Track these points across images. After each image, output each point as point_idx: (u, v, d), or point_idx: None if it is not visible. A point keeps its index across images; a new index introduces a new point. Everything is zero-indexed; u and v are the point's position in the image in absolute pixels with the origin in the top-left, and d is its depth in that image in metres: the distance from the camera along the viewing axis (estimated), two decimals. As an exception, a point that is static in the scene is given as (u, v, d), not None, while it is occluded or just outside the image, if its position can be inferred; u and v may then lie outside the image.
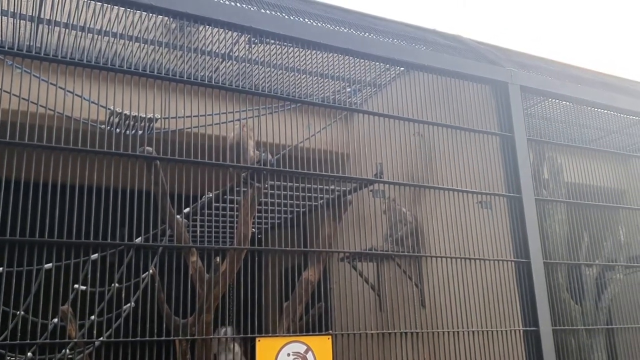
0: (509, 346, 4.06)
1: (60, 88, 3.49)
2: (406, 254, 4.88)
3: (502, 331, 4.07)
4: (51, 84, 3.65)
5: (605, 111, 5.36)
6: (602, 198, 5.02)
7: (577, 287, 4.98)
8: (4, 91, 2.97)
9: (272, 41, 3.96)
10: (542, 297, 4.26)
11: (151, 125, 4.21)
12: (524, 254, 4.31)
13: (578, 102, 5.12)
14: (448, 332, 3.94)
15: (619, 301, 5.40)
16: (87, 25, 3.70)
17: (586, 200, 4.97)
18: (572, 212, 5.01)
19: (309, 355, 3.38)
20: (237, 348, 3.97)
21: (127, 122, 4.13)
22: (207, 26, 3.83)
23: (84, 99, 3.41)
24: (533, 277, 4.25)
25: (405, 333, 3.83)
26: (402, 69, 4.52)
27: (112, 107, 3.84)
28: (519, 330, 4.15)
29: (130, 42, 3.86)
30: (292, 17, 4.11)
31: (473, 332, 3.99)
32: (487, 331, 4.02)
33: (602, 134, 5.62)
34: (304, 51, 4.14)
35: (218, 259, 3.70)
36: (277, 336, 3.45)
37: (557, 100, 5.13)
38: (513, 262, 4.29)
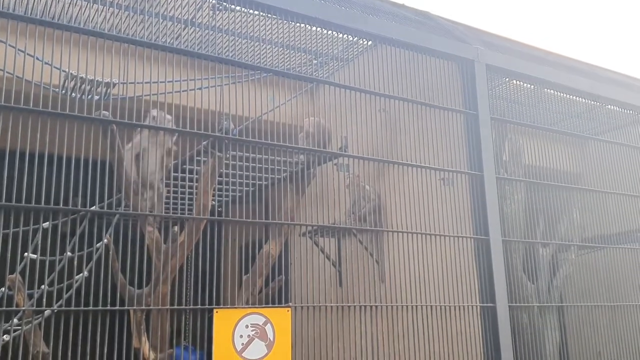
0: (467, 321, 4.12)
1: (11, 46, 3.30)
2: (368, 228, 4.88)
3: (460, 306, 4.12)
4: (0, 41, 3.45)
5: (567, 95, 5.44)
6: (559, 180, 5.11)
7: (533, 266, 5.08)
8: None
9: (238, 7, 3.84)
10: (500, 274, 4.32)
11: (108, 90, 4.04)
12: (484, 231, 4.36)
13: (542, 83, 5.17)
14: (407, 306, 3.97)
15: (571, 281, 5.55)
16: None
17: (544, 181, 5.06)
18: (530, 193, 5.09)
19: (268, 327, 3.35)
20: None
21: (82, 86, 3.95)
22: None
23: (37, 59, 3.23)
24: (492, 254, 4.30)
25: (365, 306, 3.84)
26: (369, 43, 4.46)
27: (67, 70, 3.67)
28: (477, 306, 4.21)
29: (88, 4, 3.68)
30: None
31: (431, 306, 4.02)
32: (445, 306, 4.07)
33: (563, 117, 5.71)
34: (269, 19, 4.03)
35: (176, 228, 3.61)
36: (235, 308, 3.39)
37: (521, 82, 5.18)
38: (472, 239, 4.33)
